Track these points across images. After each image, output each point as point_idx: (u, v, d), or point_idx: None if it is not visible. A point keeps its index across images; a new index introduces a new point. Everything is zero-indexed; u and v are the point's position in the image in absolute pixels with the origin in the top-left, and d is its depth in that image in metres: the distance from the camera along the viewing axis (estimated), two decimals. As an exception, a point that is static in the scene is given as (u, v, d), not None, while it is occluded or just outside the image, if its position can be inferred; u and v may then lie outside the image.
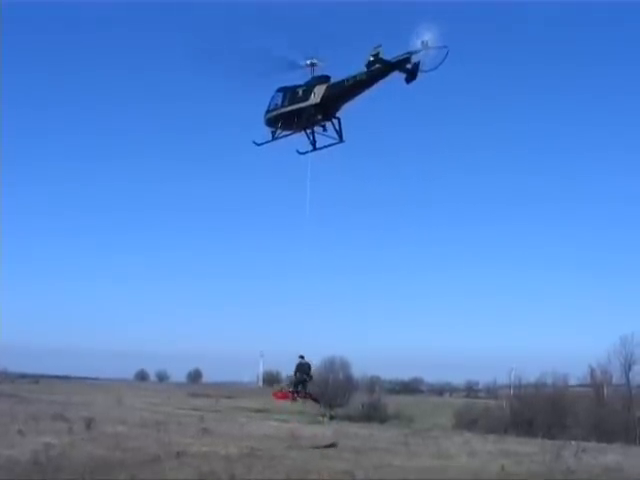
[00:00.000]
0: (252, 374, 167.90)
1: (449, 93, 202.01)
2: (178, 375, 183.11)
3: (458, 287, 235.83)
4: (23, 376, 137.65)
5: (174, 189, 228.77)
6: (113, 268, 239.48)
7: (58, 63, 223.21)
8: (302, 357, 32.11)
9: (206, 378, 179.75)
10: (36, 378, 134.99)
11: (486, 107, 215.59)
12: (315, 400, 35.64)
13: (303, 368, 32.10)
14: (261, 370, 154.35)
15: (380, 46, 26.45)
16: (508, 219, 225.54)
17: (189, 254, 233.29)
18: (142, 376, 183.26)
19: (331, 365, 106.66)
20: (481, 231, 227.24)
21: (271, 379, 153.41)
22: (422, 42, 25.61)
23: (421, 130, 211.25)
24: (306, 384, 32.46)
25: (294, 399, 33.11)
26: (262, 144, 30.49)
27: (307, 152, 29.81)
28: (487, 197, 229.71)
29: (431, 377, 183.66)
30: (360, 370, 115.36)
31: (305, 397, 33.40)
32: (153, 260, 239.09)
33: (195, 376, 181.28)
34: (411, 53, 26.02)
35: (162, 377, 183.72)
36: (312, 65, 28.89)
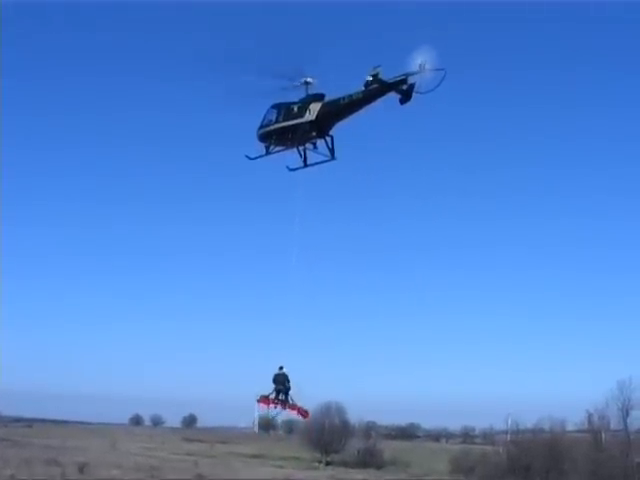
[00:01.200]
0: (248, 419, 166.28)
1: (444, 139, 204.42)
2: (173, 420, 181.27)
3: (455, 333, 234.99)
4: (17, 420, 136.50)
5: (170, 232, 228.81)
6: (109, 312, 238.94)
7: (60, 102, 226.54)
8: (281, 368, 32.38)
9: (201, 423, 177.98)
10: (30, 422, 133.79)
11: (482, 151, 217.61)
12: (301, 413, 35.39)
13: (278, 379, 32.26)
14: (257, 415, 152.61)
15: (379, 66, 27.08)
16: (504, 264, 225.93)
17: (184, 298, 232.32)
18: (137, 421, 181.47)
19: (327, 410, 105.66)
20: (477, 276, 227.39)
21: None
22: (420, 64, 26.19)
23: (415, 174, 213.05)
24: (287, 394, 32.56)
25: (275, 406, 33.31)
26: (255, 158, 30.93)
27: (298, 169, 30.26)
28: (483, 242, 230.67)
29: (428, 423, 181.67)
30: (356, 416, 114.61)
31: (284, 407, 33.46)
32: (147, 304, 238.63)
33: (190, 421, 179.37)
34: (408, 74, 26.59)
35: (157, 422, 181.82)
36: (306, 83, 29.44)
